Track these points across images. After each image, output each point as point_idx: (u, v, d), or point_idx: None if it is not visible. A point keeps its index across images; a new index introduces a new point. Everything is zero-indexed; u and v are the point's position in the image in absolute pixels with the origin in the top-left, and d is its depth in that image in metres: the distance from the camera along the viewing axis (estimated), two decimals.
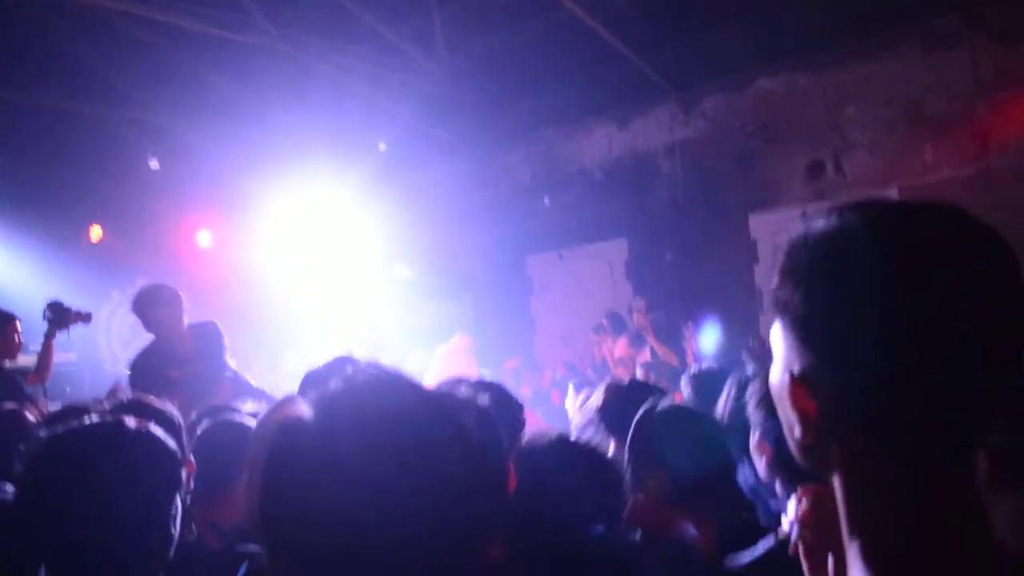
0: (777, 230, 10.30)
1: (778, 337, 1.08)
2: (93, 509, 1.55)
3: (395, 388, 1.09)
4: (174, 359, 5.31)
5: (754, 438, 2.07)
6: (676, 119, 11.17)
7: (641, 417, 2.77)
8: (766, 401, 2.74)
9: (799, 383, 1.01)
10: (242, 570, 1.79)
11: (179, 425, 2.35)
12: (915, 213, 0.98)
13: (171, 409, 2.48)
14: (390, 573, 0.98)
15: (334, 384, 1.05)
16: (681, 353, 8.82)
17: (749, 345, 7.69)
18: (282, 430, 1.02)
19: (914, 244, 0.94)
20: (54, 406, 4.94)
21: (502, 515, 1.45)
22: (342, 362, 2.35)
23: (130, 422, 1.74)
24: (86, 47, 9.08)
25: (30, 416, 3.49)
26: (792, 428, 1.03)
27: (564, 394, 9.32)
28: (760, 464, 1.98)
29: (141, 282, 10.85)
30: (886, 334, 0.91)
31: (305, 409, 1.03)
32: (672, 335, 9.49)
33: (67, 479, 1.57)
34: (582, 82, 11.00)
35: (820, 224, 1.04)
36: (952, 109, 9.11)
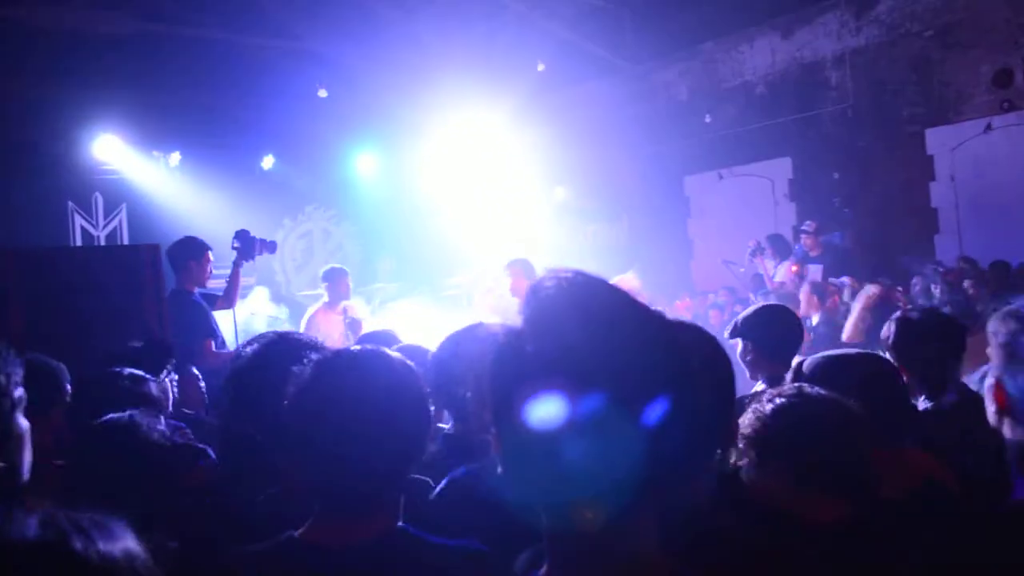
0: (958, 145, 9.60)
1: None
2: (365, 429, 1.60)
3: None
4: None
5: (990, 380, 1.94)
6: (846, 26, 10.46)
7: None
8: (1008, 345, 2.59)
9: None
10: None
11: None
12: None
13: None
14: None
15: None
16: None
17: (931, 271, 7.16)
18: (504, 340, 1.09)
19: None
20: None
21: None
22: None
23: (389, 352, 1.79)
24: None
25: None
26: None
27: (723, 314, 9.19)
28: (991, 411, 1.87)
29: (311, 208, 11.46)
30: None
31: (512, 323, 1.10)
32: (841, 262, 9.05)
33: (348, 397, 1.61)
34: None
35: None
36: None
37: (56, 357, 3.66)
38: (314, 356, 1.72)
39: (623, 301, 1.08)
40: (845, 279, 7.82)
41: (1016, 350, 2.55)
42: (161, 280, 5.25)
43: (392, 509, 1.67)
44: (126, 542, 0.99)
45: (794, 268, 8.78)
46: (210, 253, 5.94)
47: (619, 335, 1.03)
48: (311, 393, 1.63)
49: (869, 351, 2.67)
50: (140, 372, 3.03)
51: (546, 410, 1.00)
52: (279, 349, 2.22)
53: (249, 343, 2.39)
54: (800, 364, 2.46)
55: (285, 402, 1.64)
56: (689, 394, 1.04)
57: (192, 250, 5.80)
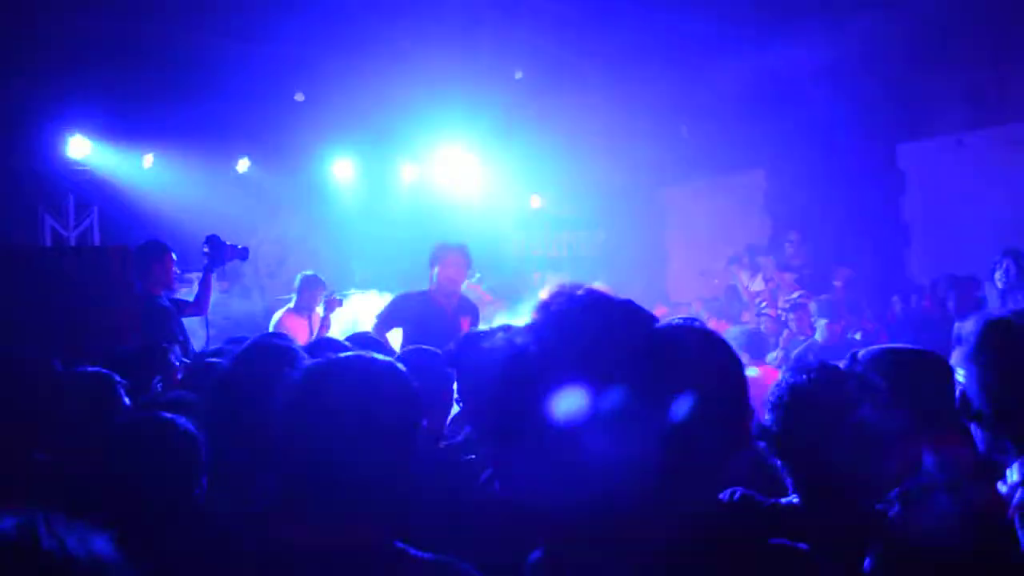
0: (929, 160, 9.72)
1: None
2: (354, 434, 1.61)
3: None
4: None
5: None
6: (822, 40, 10.56)
7: None
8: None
9: None
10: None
11: None
12: None
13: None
14: None
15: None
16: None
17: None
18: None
19: None
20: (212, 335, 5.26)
21: None
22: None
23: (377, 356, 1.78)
24: None
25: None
26: None
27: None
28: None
29: (285, 213, 11.40)
30: None
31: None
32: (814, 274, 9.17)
33: (335, 406, 1.61)
34: (722, 1, 10.53)
35: None
36: None
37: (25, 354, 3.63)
38: (303, 363, 1.74)
39: (626, 308, 1.13)
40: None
41: None
42: (130, 282, 5.22)
43: (379, 520, 1.66)
44: (100, 546, 1.00)
45: (786, 276, 8.89)
46: (172, 254, 5.94)
47: (626, 338, 1.10)
48: (303, 402, 1.63)
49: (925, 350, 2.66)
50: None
51: (569, 407, 1.06)
52: (265, 356, 2.21)
53: (228, 349, 2.40)
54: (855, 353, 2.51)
55: (274, 412, 1.64)
56: (693, 387, 1.09)
57: (153, 253, 5.80)
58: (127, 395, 2.92)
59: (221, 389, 2.22)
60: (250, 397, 2.09)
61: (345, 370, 1.68)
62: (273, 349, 2.28)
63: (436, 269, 5.81)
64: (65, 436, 2.60)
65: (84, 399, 2.80)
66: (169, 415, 2.17)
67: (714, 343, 1.59)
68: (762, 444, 2.06)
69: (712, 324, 8.45)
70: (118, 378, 3.04)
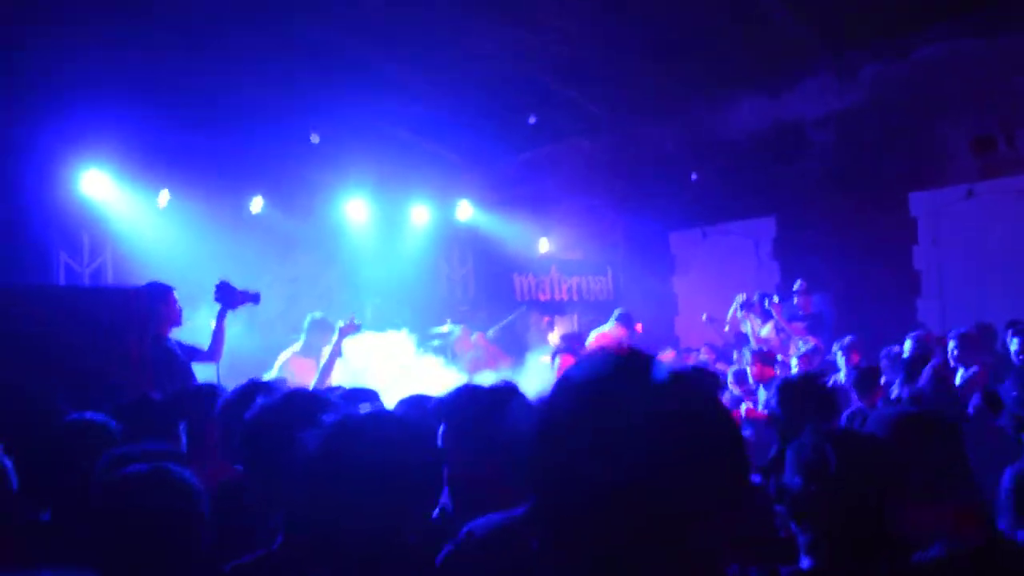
0: (940, 209, 9.74)
1: None
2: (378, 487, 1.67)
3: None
4: None
5: None
6: (831, 88, 10.66)
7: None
8: None
9: None
10: None
11: None
12: None
13: None
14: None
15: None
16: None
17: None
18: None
19: None
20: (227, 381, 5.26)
21: None
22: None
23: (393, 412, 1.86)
24: (247, 23, 9.46)
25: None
26: None
27: None
28: None
29: (297, 252, 11.45)
30: None
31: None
32: (820, 322, 9.15)
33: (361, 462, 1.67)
34: (732, 48, 10.63)
35: None
36: None
37: (36, 398, 3.65)
38: (328, 419, 1.78)
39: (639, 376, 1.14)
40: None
41: None
42: (143, 323, 5.24)
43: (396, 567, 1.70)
44: None
45: (796, 325, 8.89)
46: (174, 293, 5.96)
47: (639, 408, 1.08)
48: (327, 457, 1.70)
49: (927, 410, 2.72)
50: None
51: (591, 475, 1.05)
52: (294, 406, 2.23)
53: (254, 396, 2.42)
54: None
55: (300, 462, 1.71)
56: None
57: (156, 294, 5.80)
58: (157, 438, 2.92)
59: (249, 437, 2.23)
60: (274, 446, 2.09)
61: (373, 427, 1.76)
62: (301, 400, 2.30)
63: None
64: (63, 487, 2.58)
65: (80, 449, 2.75)
66: (174, 467, 2.14)
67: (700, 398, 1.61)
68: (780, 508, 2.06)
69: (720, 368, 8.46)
70: (114, 424, 3.03)
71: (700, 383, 1.13)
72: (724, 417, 1.13)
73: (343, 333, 6.33)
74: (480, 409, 2.30)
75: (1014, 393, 3.57)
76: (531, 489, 1.14)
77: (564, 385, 1.13)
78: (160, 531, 2.02)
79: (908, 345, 6.99)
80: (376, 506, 1.65)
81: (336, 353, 6.26)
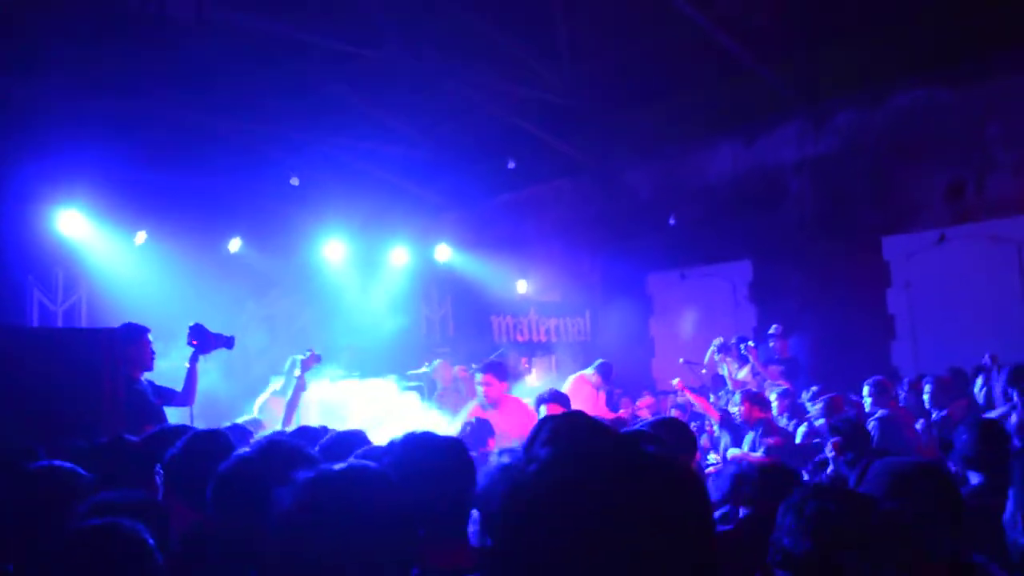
0: (913, 253, 9.88)
1: None
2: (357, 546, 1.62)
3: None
4: None
5: None
6: (806, 135, 10.85)
7: None
8: None
9: None
10: None
11: None
12: None
13: None
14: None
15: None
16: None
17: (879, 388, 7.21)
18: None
19: None
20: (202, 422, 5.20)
21: None
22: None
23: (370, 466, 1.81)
24: (227, 64, 9.51)
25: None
26: None
27: (684, 414, 9.20)
28: None
29: (275, 293, 11.42)
30: None
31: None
32: (796, 366, 9.22)
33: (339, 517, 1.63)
34: (708, 96, 10.83)
35: None
36: None
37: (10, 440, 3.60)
38: (300, 475, 1.72)
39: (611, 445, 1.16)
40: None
41: None
42: (116, 364, 5.19)
43: None
44: None
45: (771, 368, 8.93)
46: (148, 335, 5.89)
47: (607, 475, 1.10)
48: (300, 514, 1.64)
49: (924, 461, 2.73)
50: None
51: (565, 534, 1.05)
52: (276, 456, 2.20)
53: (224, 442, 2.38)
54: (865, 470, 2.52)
55: (274, 519, 1.65)
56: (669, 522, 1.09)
57: (130, 336, 5.73)
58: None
59: (222, 486, 2.19)
60: (248, 500, 2.06)
61: (347, 483, 1.71)
62: (282, 450, 2.26)
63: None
64: (25, 536, 2.53)
65: (47, 498, 2.70)
66: (125, 521, 2.09)
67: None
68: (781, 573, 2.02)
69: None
70: (83, 472, 2.98)
71: (680, 473, 1.14)
72: (699, 509, 1.13)
73: (304, 366, 6.28)
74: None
75: (964, 437, 3.64)
76: (493, 540, 1.13)
77: (554, 460, 1.13)
78: None
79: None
80: (351, 564, 1.61)
81: (300, 387, 6.22)
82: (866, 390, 6.95)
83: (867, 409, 6.84)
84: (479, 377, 6.53)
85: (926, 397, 7.30)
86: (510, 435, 5.42)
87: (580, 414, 2.88)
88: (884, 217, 10.09)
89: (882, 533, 1.96)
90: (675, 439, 3.12)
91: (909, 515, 2.10)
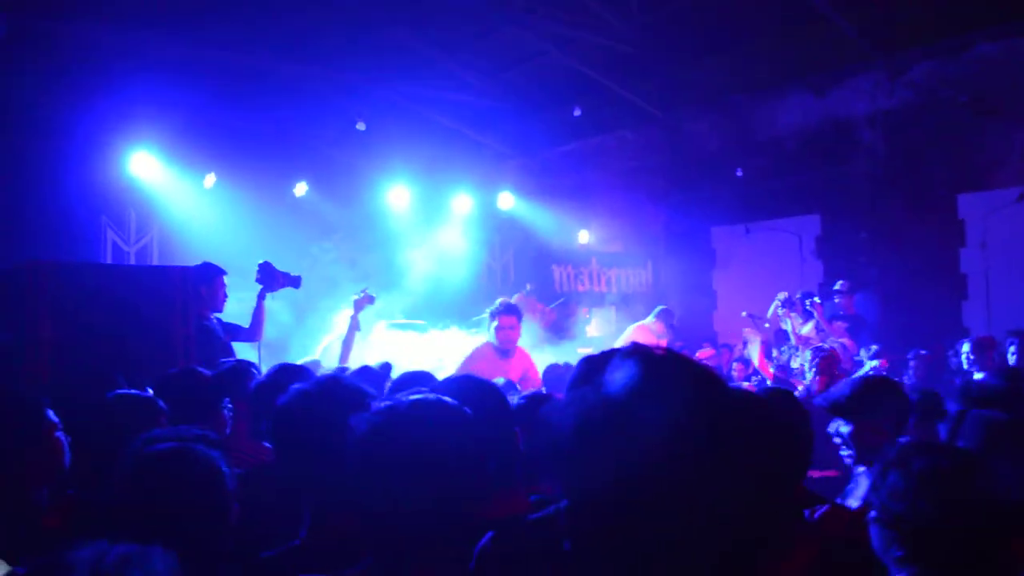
0: (990, 212, 9.56)
1: None
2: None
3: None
4: None
5: None
6: (880, 87, 10.48)
7: None
8: None
9: None
10: None
11: None
12: None
13: None
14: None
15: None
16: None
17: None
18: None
19: None
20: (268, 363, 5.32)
21: None
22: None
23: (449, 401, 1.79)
24: (293, 7, 9.51)
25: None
26: None
27: (747, 368, 9.13)
28: None
29: (338, 237, 11.55)
30: None
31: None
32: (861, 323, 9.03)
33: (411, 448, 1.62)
34: (778, 44, 10.51)
35: None
36: None
37: (80, 372, 3.73)
38: (375, 404, 1.72)
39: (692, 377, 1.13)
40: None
41: None
42: (189, 302, 5.32)
43: (450, 560, 1.67)
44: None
45: (836, 324, 8.75)
46: (223, 278, 5.97)
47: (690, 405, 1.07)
48: (378, 443, 1.63)
49: None
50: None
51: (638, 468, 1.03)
52: (334, 392, 2.22)
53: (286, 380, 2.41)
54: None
55: (347, 446, 1.65)
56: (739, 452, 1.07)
57: (203, 276, 5.83)
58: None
59: (284, 422, 2.21)
60: (307, 432, 2.10)
61: (420, 413, 1.69)
62: (336, 388, 2.27)
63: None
64: (103, 460, 2.61)
65: (127, 424, 2.77)
66: (199, 447, 2.12)
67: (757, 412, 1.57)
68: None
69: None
70: (161, 404, 3.07)
71: (763, 404, 1.12)
72: (782, 433, 1.11)
73: (358, 306, 6.35)
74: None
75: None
76: (565, 489, 1.11)
77: (624, 386, 1.09)
78: (186, 508, 2.00)
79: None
80: (418, 495, 1.59)
81: (354, 326, 6.28)
82: (966, 347, 6.81)
83: (965, 368, 6.71)
84: (498, 321, 6.08)
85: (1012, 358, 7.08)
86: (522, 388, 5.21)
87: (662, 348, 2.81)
88: (960, 174, 9.76)
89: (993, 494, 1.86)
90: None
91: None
